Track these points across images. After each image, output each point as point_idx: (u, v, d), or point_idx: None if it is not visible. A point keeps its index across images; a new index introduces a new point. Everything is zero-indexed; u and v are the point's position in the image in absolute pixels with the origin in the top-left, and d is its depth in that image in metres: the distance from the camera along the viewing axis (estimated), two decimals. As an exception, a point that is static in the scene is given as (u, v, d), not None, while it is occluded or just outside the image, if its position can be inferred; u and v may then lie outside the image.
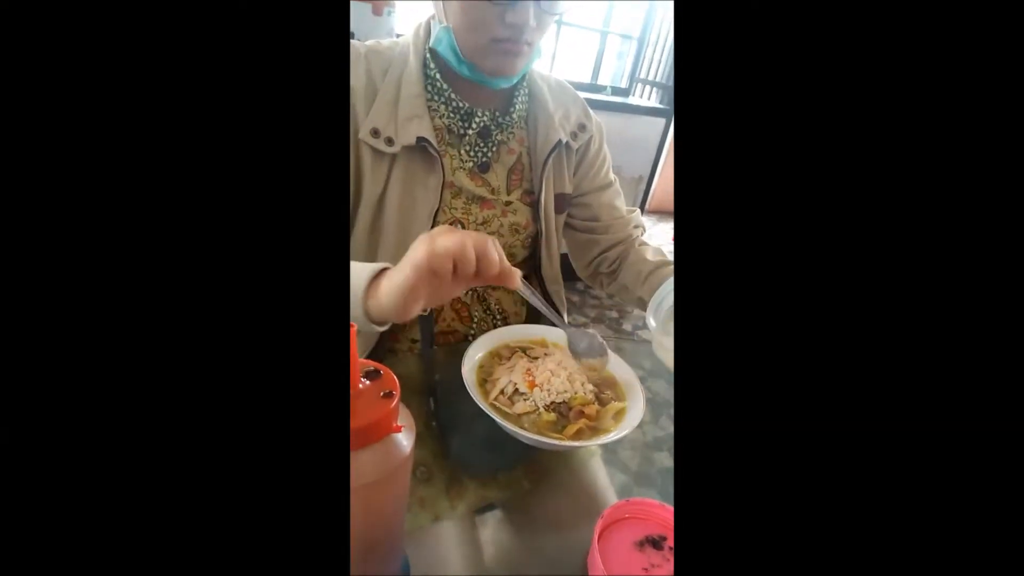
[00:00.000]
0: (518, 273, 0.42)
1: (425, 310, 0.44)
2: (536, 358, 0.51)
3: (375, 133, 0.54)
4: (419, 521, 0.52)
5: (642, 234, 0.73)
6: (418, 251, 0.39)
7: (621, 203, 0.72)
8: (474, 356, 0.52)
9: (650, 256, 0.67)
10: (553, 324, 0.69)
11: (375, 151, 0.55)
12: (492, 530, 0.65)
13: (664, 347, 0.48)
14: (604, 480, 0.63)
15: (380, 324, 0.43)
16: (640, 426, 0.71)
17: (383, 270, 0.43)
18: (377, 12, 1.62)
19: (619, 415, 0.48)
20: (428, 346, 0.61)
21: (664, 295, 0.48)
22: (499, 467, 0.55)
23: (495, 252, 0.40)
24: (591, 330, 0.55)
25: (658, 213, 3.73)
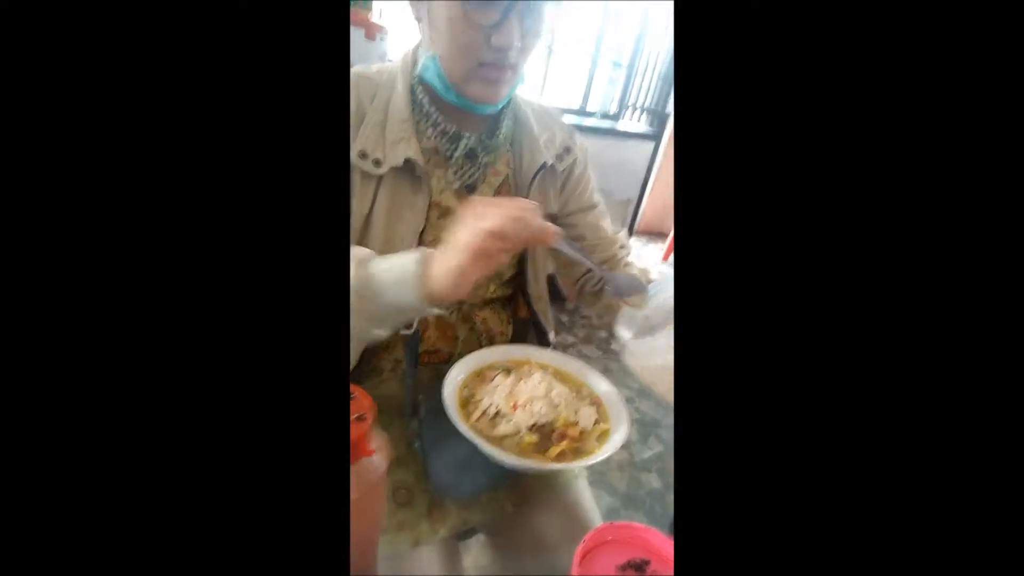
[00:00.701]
0: (557, 231, 0.45)
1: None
2: (520, 379, 0.51)
3: (363, 155, 0.55)
4: (398, 546, 0.50)
5: (627, 255, 0.74)
6: (464, 234, 0.42)
7: (607, 224, 0.73)
8: (456, 377, 0.52)
9: (635, 271, 0.67)
10: (542, 337, 0.70)
11: (363, 172, 0.56)
12: (475, 555, 0.64)
13: (635, 355, 0.48)
14: (589, 502, 0.63)
15: (438, 306, 0.46)
16: (627, 447, 0.70)
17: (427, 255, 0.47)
18: (370, 36, 1.65)
19: (603, 436, 0.48)
20: (412, 366, 0.61)
21: (648, 314, 0.48)
22: (482, 489, 0.54)
23: (534, 219, 0.44)
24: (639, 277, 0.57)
25: (648, 234, 3.77)
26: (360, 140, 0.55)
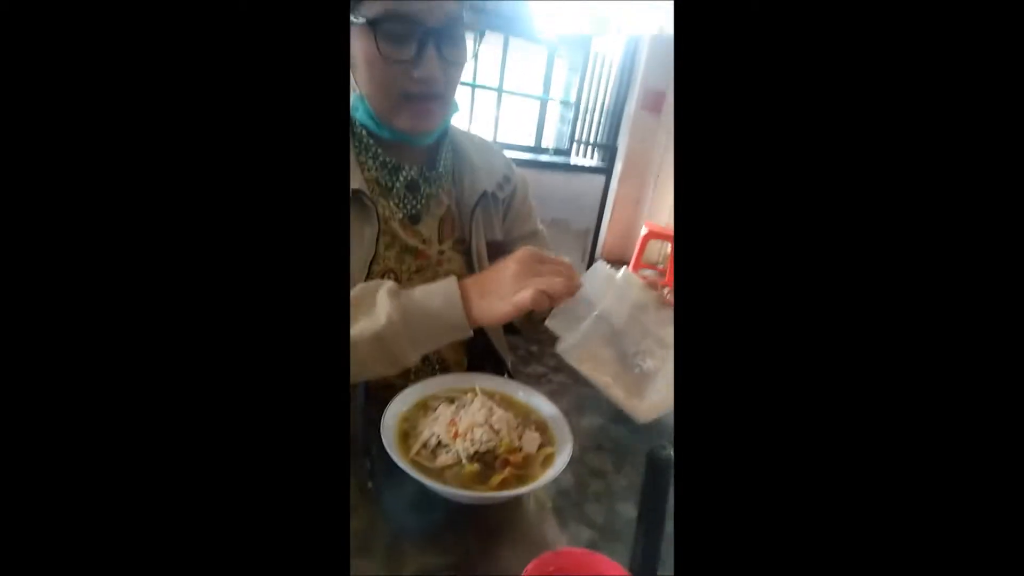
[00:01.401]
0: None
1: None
2: (462, 407, 0.50)
3: None
4: (356, 597, 0.47)
5: None
6: (517, 285, 0.47)
7: (549, 253, 0.75)
8: (397, 410, 0.50)
9: None
10: (499, 366, 0.69)
11: None
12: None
13: (562, 340, 0.51)
14: (556, 534, 0.60)
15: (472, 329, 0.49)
16: (604, 477, 0.69)
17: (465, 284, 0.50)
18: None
19: (548, 460, 0.46)
20: (363, 402, 0.59)
21: (571, 307, 0.50)
22: (441, 528, 0.51)
23: (577, 279, 0.49)
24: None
25: (611, 262, 3.86)
26: None
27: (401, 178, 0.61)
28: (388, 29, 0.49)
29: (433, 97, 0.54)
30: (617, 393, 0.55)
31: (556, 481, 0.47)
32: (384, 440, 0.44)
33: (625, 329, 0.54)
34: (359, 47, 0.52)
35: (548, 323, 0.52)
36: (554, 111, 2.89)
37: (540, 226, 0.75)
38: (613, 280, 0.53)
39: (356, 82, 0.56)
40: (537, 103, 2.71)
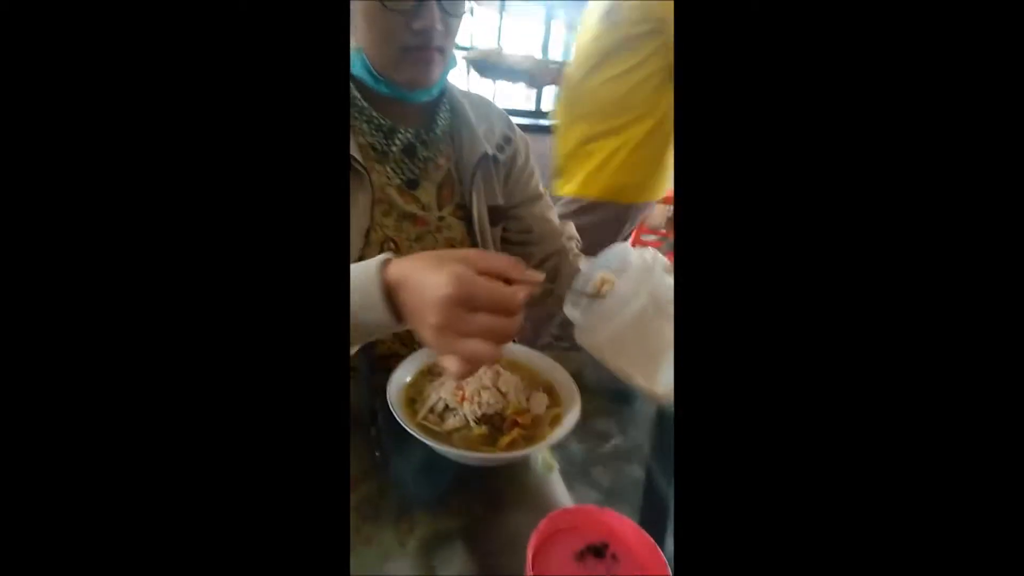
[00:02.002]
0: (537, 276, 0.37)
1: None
2: None
3: None
4: (366, 562, 0.48)
5: (576, 246, 0.73)
6: (429, 313, 0.33)
7: (553, 215, 0.73)
8: (403, 377, 0.50)
9: (583, 266, 0.67)
10: None
11: None
12: (449, 563, 0.61)
13: (584, 332, 0.46)
14: (564, 496, 0.61)
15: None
16: (609, 440, 0.69)
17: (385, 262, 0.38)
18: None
19: (556, 420, 0.46)
20: (368, 373, 0.59)
21: (580, 283, 0.46)
22: (449, 492, 0.52)
23: (495, 333, 0.33)
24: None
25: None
26: None
27: (397, 142, 0.59)
28: None
29: (432, 49, 0.52)
30: (640, 382, 0.54)
31: (562, 445, 0.47)
32: (392, 406, 0.44)
33: (654, 322, 0.51)
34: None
35: (566, 310, 0.48)
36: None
37: (543, 189, 0.73)
38: (650, 274, 0.47)
39: (353, 35, 0.54)
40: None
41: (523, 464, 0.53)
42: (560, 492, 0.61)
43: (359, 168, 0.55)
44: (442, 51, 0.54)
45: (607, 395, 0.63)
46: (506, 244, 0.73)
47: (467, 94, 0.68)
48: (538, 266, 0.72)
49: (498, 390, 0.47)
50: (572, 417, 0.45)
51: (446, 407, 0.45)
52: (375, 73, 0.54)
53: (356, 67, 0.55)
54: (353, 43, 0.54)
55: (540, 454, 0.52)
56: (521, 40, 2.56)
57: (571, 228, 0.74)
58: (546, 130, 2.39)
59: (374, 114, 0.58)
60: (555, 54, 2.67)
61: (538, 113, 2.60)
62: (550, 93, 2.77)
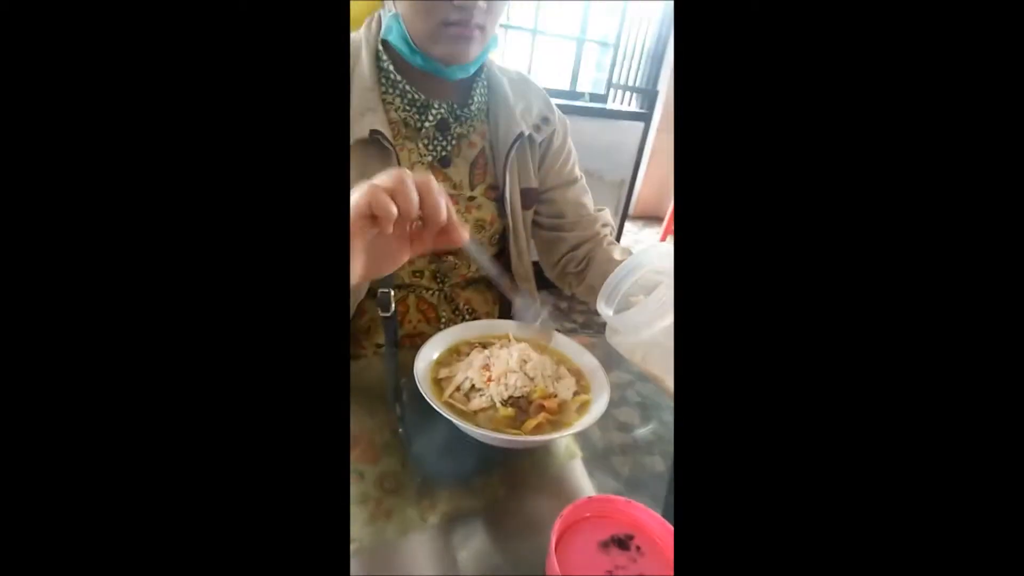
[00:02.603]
0: (466, 228, 0.39)
1: (371, 285, 0.40)
2: (496, 352, 0.49)
3: None
4: (385, 535, 0.48)
5: (610, 233, 0.71)
6: (353, 193, 0.34)
7: (588, 200, 0.71)
8: (430, 354, 0.49)
9: (617, 256, 0.64)
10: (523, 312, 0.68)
11: None
12: (468, 542, 0.62)
13: (618, 333, 0.45)
14: (585, 483, 0.61)
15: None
16: (630, 430, 0.68)
17: None
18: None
19: (584, 407, 0.45)
20: (393, 350, 0.59)
21: (618, 279, 0.44)
22: (471, 473, 0.52)
23: (441, 195, 0.36)
24: (539, 303, 0.53)
25: (644, 218, 3.74)
26: None
27: (431, 117, 0.58)
28: None
29: (472, 25, 0.50)
30: (670, 387, 0.53)
31: (584, 432, 0.46)
32: (419, 382, 0.44)
33: None
34: None
35: (599, 307, 0.46)
36: (591, 53, 2.72)
37: (579, 173, 0.71)
38: None
39: (394, 2, 0.52)
40: (573, 44, 2.55)
41: (546, 449, 0.52)
42: (582, 479, 0.60)
43: (387, 145, 0.54)
44: (483, 29, 0.52)
45: (630, 385, 0.62)
46: (537, 228, 0.71)
47: (505, 71, 0.66)
48: (570, 252, 0.70)
49: (525, 373, 0.46)
50: (600, 406, 0.44)
51: (472, 387, 0.45)
52: (411, 44, 0.53)
53: (393, 34, 0.54)
54: (392, 8, 0.53)
55: (564, 440, 0.51)
56: (559, 18, 2.49)
57: (606, 215, 0.72)
58: (582, 111, 2.35)
59: (407, 88, 0.56)
60: (594, 33, 2.60)
61: (574, 93, 2.54)
62: (587, 74, 2.70)
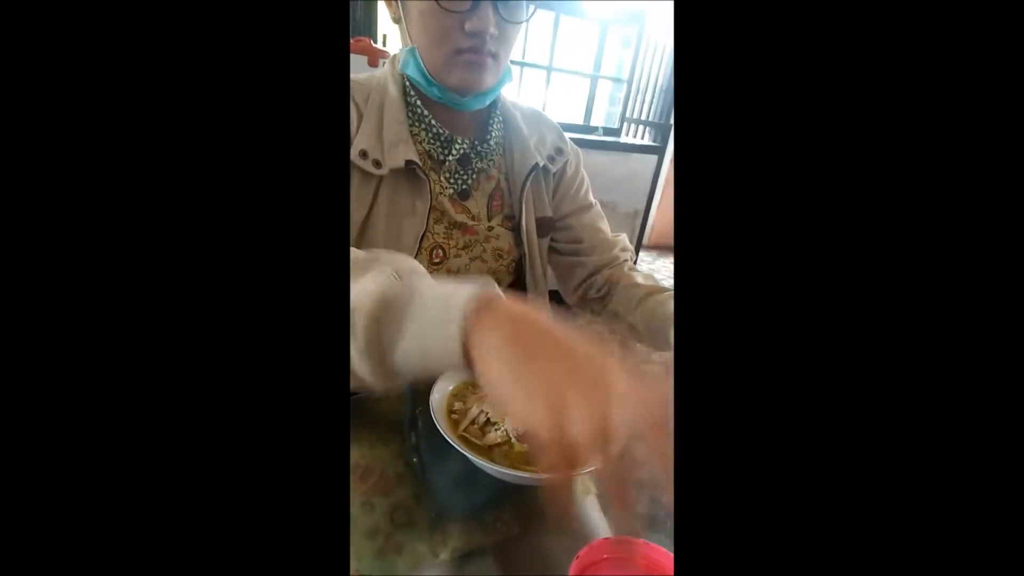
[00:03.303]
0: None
1: None
2: None
3: (363, 155, 0.54)
4: (395, 569, 0.47)
5: (629, 258, 0.71)
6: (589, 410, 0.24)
7: (605, 225, 0.72)
8: (446, 386, 0.49)
9: (641, 280, 0.65)
10: None
11: (363, 173, 0.54)
12: (479, 579, 0.60)
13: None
14: (600, 521, 0.59)
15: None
16: (645, 465, 0.66)
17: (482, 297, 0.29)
18: (372, 63, 1.69)
19: None
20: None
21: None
22: (484, 508, 0.51)
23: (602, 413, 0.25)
24: None
25: (658, 248, 3.74)
26: (360, 140, 0.54)
27: (454, 151, 0.59)
28: None
29: (485, 53, 0.52)
30: None
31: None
32: (434, 414, 0.44)
33: None
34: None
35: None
36: (605, 89, 2.79)
37: (593, 200, 0.72)
38: None
39: (410, 35, 0.55)
40: (587, 81, 2.62)
41: (561, 485, 0.51)
42: (596, 518, 0.59)
43: (421, 175, 0.56)
44: (495, 57, 0.53)
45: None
46: (555, 254, 0.72)
47: (518, 106, 0.68)
48: (590, 278, 0.70)
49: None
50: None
51: (487, 420, 0.45)
52: (428, 75, 0.55)
53: (410, 68, 0.56)
54: (408, 41, 0.55)
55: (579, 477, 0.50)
56: (574, 55, 2.57)
57: (624, 240, 0.72)
58: (595, 144, 2.40)
59: (433, 122, 0.58)
60: (608, 69, 2.67)
61: (588, 128, 2.59)
62: (600, 108, 2.76)
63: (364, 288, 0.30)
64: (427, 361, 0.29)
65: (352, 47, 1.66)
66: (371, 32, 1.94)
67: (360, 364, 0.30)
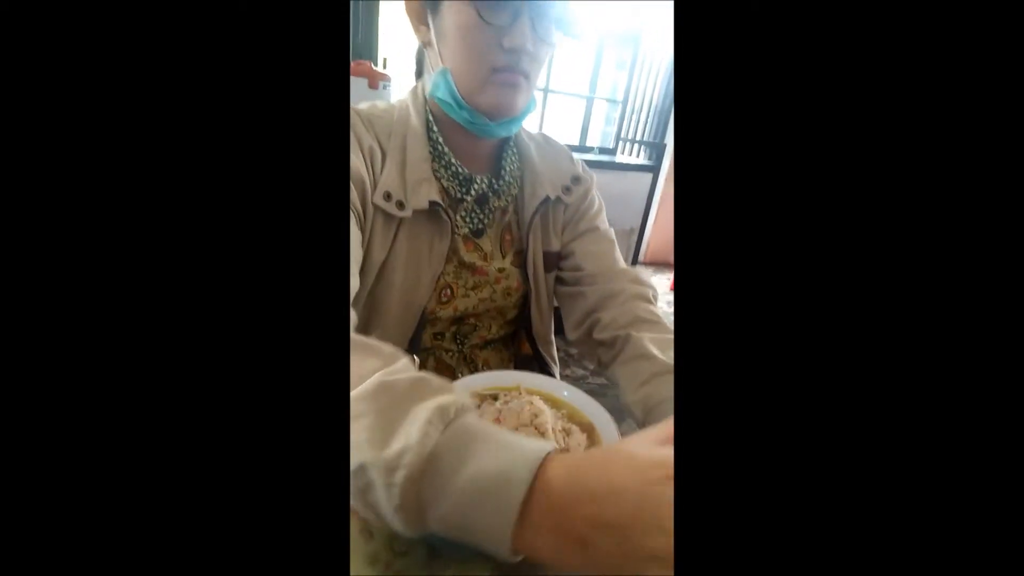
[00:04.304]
0: None
1: None
2: (507, 402, 0.48)
3: (387, 196, 0.53)
4: (396, 600, 0.47)
5: (642, 292, 0.61)
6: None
7: (611, 252, 0.65)
8: None
9: (654, 351, 0.54)
10: (546, 373, 0.65)
11: (385, 215, 0.53)
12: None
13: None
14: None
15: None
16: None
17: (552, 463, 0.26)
18: (373, 86, 1.72)
19: None
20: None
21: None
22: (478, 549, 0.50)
23: None
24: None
25: (655, 264, 3.77)
26: (384, 181, 0.53)
27: (472, 191, 0.59)
28: None
29: (519, 72, 0.52)
30: None
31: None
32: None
33: None
34: (451, 14, 0.51)
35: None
36: (600, 109, 2.84)
37: (601, 224, 0.68)
38: None
39: (442, 57, 0.54)
40: (583, 102, 2.67)
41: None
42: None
43: (444, 216, 0.55)
44: (527, 77, 0.53)
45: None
46: (560, 284, 0.69)
47: (531, 136, 0.67)
48: (592, 312, 0.61)
49: (536, 428, 0.45)
50: None
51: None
52: (459, 97, 0.53)
53: (440, 90, 0.54)
54: (439, 63, 0.55)
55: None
56: (571, 74, 2.61)
57: (637, 273, 0.63)
58: (591, 164, 2.42)
59: (453, 160, 0.58)
60: (603, 90, 2.72)
61: (584, 148, 2.63)
62: (596, 129, 2.80)
63: (408, 439, 0.27)
64: (467, 535, 0.26)
65: (352, 70, 1.68)
66: (372, 55, 1.97)
67: (388, 515, 0.27)
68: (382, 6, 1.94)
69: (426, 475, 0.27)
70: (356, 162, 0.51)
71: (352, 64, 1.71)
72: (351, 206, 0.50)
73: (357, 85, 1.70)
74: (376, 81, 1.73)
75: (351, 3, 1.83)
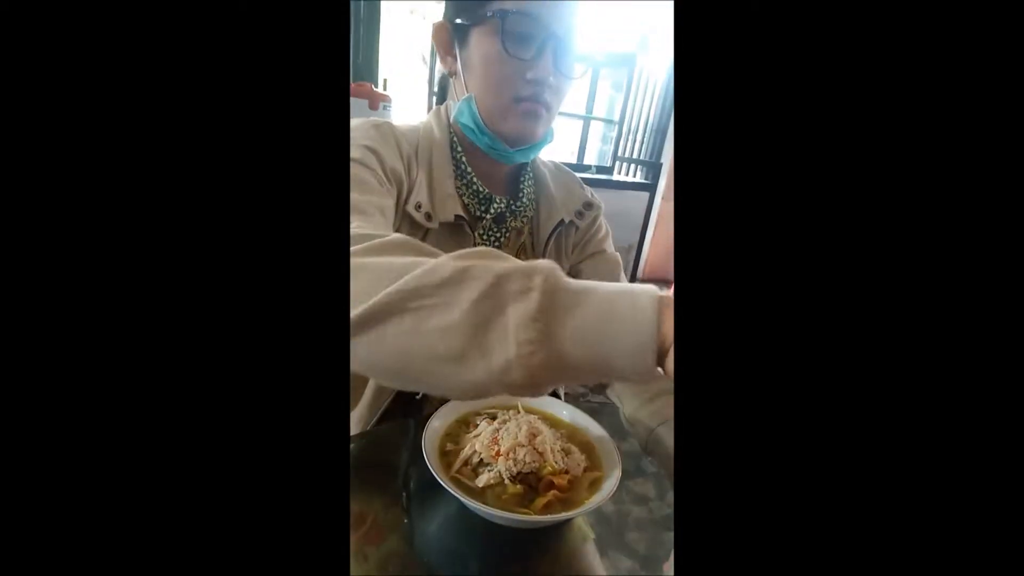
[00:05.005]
0: None
1: None
2: (505, 421, 0.48)
3: (418, 207, 0.54)
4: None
5: None
6: None
7: (615, 274, 0.69)
8: (439, 425, 0.49)
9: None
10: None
11: (412, 224, 0.55)
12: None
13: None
14: (598, 567, 0.57)
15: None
16: (645, 503, 0.64)
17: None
18: (373, 107, 1.75)
19: (595, 484, 0.44)
20: (413, 431, 0.58)
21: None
22: (476, 551, 0.50)
23: None
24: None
25: (653, 280, 3.77)
26: (417, 192, 0.55)
27: (492, 210, 0.60)
28: (515, 23, 0.51)
29: (541, 103, 0.54)
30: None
31: (597, 507, 0.44)
32: (426, 455, 0.43)
33: None
34: (477, 47, 0.53)
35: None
36: (597, 129, 2.88)
37: (608, 248, 0.70)
38: None
39: (467, 86, 0.56)
40: (580, 122, 2.71)
41: (557, 530, 0.50)
42: (594, 563, 0.57)
43: (468, 230, 0.56)
44: (548, 108, 0.56)
45: (645, 456, 0.60)
46: None
47: (546, 163, 0.70)
48: None
49: (535, 448, 0.45)
50: (612, 483, 0.43)
51: (480, 461, 0.44)
52: (481, 124, 0.56)
53: (464, 116, 0.57)
54: (464, 91, 0.57)
55: (576, 520, 0.50)
56: (568, 95, 2.66)
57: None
58: (589, 183, 2.45)
59: (475, 179, 0.60)
60: (599, 110, 2.76)
61: (581, 166, 2.66)
62: (592, 148, 2.83)
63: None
64: (603, 348, 0.27)
65: (353, 91, 1.71)
66: (372, 77, 2.01)
67: (512, 344, 0.26)
68: (383, 28, 1.98)
69: (561, 283, 0.27)
70: (397, 166, 0.53)
71: (352, 85, 1.74)
72: (395, 205, 0.51)
73: (358, 106, 1.73)
74: (376, 102, 1.75)
75: (352, 25, 1.87)
